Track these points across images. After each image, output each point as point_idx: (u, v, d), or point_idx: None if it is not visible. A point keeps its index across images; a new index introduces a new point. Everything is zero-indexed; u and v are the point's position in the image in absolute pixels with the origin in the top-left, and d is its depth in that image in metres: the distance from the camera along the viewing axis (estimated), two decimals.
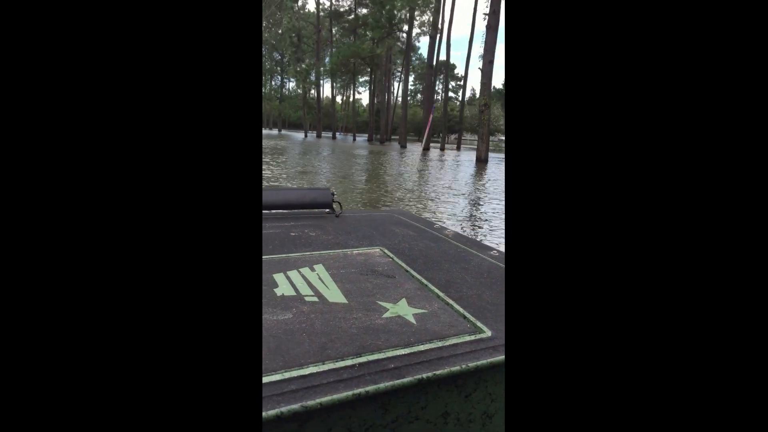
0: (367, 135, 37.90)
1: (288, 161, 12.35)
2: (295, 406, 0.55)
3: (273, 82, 51.02)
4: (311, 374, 0.61)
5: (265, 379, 0.59)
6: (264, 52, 50.16)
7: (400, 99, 39.21)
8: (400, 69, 39.74)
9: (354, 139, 36.71)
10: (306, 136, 38.94)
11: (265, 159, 12.46)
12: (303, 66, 35.18)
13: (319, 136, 37.88)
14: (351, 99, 48.01)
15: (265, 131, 46.95)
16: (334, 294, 0.89)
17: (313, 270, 1.02)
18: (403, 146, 27.32)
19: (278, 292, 0.88)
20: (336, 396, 0.57)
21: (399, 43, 36.81)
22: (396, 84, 40.78)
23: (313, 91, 39.14)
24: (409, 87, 33.18)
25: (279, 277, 0.96)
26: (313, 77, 35.67)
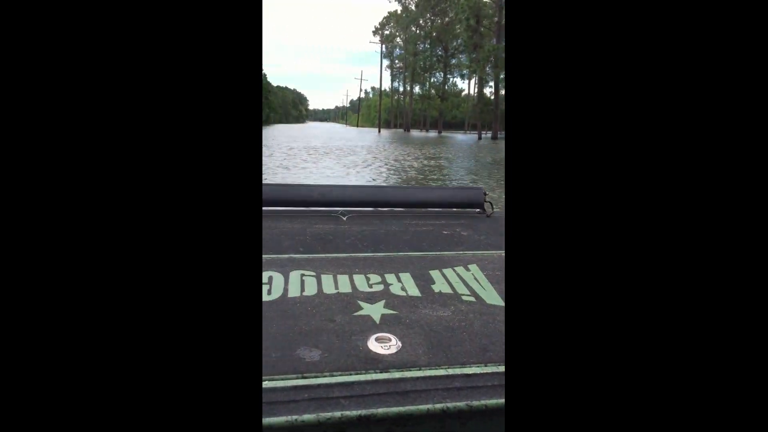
0: None
1: None
2: (461, 404, 0.55)
3: (433, 79, 45.93)
4: (475, 374, 0.62)
5: (429, 373, 0.61)
6: (424, 48, 45.47)
7: None
8: None
9: None
10: (480, 138, 32.62)
11: None
12: (484, 51, 28.89)
13: (494, 137, 31.21)
14: None
15: (421, 134, 41.97)
16: (491, 296, 0.89)
17: (467, 269, 1.02)
18: None
19: (435, 288, 0.91)
20: (501, 400, 0.56)
21: None
22: None
23: (488, 84, 32.60)
24: None
25: (435, 274, 0.99)
26: (491, 65, 29.09)
